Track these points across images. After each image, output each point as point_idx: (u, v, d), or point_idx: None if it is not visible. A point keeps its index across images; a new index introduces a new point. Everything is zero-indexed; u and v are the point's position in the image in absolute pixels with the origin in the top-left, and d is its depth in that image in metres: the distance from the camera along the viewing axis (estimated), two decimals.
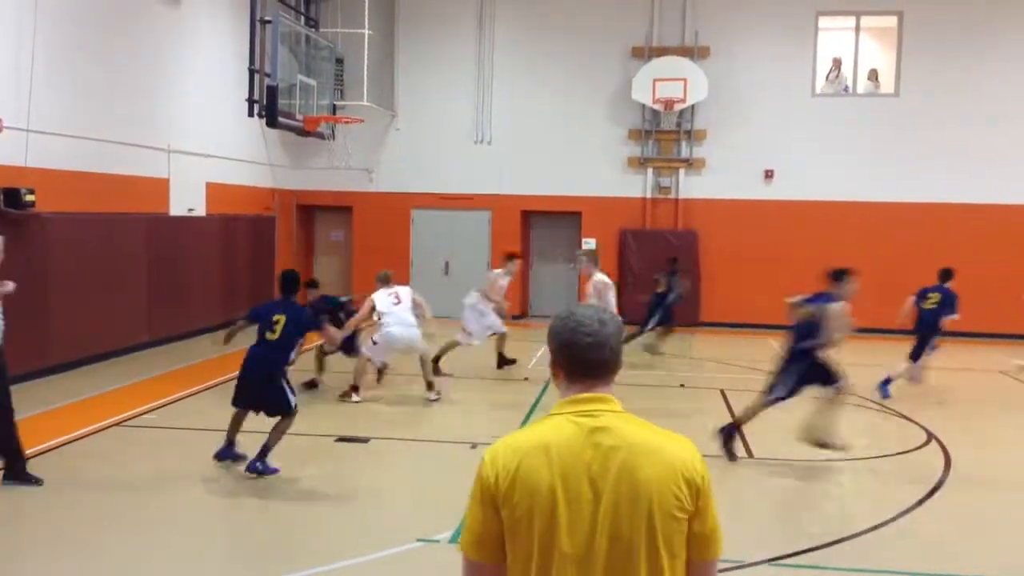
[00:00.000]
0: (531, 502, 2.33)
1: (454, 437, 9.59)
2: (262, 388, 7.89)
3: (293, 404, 7.98)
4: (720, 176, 19.44)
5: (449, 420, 10.68)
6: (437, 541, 6.43)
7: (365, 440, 9.41)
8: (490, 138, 20.11)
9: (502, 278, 13.47)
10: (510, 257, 13.93)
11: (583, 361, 2.44)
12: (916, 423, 10.72)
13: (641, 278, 19.17)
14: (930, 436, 10.09)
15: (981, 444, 10.17)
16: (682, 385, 13.02)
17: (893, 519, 7.25)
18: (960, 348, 17.23)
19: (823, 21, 19.42)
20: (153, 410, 10.33)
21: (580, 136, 19.73)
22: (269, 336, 7.90)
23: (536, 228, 20.74)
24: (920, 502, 7.73)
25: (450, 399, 11.56)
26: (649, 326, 15.51)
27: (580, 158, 19.73)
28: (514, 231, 20.20)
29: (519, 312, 20.11)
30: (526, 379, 12.96)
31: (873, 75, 19.61)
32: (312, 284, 12.45)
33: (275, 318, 7.90)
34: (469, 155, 20.13)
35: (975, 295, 18.42)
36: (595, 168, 19.73)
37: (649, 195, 19.73)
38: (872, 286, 18.58)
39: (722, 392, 12.10)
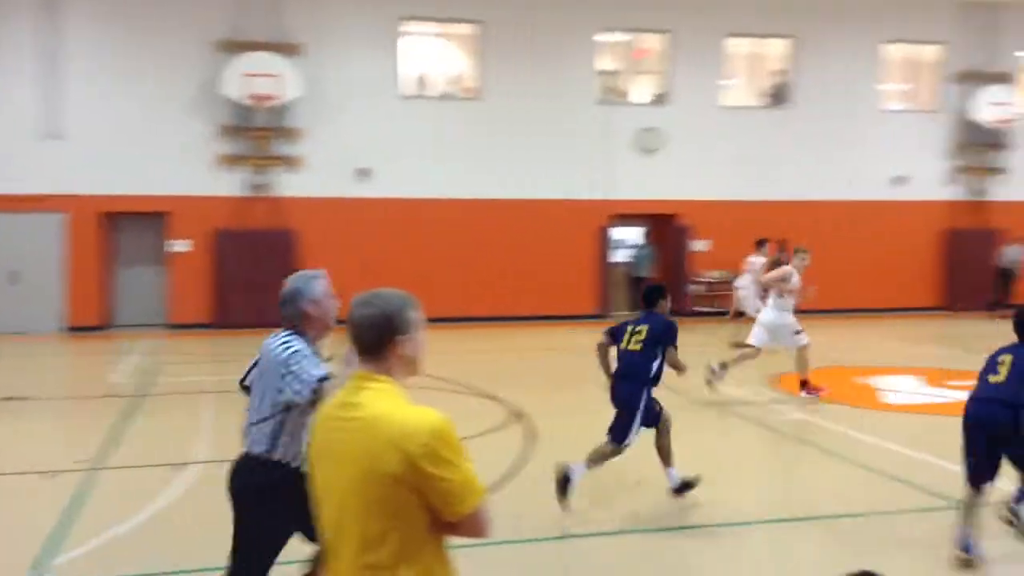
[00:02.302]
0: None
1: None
2: None
3: None
4: (318, 174, 19.21)
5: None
6: None
7: None
8: (63, 132, 18.22)
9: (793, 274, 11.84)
10: (796, 250, 12.31)
11: (350, 338, 2.75)
12: (498, 400, 11.20)
13: (239, 278, 18.42)
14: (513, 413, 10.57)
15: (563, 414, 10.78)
16: None
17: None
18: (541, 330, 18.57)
19: (408, 25, 19.95)
20: None
21: (166, 131, 18.51)
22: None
23: (121, 231, 19.12)
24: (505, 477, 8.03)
25: None
26: None
27: (167, 154, 18.51)
28: (94, 234, 18.49)
29: (99, 323, 18.49)
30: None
31: (458, 79, 20.52)
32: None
33: None
34: (36, 151, 18.08)
35: (533, 283, 20.05)
36: (183, 166, 18.62)
37: (244, 194, 19.03)
38: (465, 281, 19.51)
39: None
